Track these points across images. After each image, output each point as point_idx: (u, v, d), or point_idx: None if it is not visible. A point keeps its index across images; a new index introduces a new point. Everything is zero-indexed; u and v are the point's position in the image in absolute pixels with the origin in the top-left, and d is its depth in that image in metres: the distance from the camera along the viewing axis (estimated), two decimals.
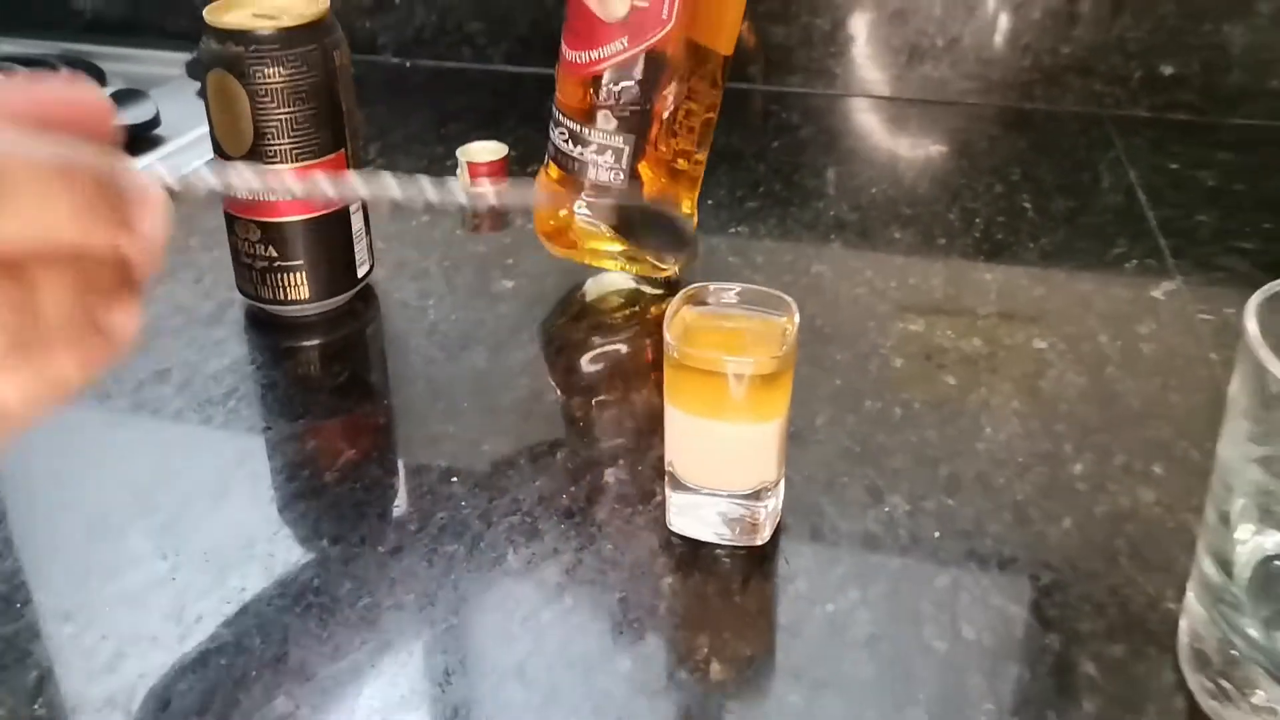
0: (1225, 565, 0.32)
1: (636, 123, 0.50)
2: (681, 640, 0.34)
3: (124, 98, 0.72)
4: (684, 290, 0.37)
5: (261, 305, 0.51)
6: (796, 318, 0.36)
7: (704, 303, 0.38)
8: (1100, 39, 0.75)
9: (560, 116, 0.51)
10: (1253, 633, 0.31)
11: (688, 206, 0.55)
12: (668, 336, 0.36)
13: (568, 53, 0.50)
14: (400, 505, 0.40)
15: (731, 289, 0.37)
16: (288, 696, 0.32)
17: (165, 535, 0.38)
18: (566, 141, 0.51)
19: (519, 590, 0.36)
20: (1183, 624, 0.34)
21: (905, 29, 0.77)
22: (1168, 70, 0.75)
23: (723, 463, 0.36)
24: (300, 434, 0.44)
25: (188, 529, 0.39)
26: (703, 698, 0.32)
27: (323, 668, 0.33)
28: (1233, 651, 0.32)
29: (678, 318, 0.37)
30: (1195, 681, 0.33)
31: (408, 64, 0.85)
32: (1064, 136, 0.73)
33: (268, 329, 0.51)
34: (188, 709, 0.32)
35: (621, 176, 0.51)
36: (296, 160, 0.48)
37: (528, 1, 0.82)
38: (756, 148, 0.71)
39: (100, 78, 0.82)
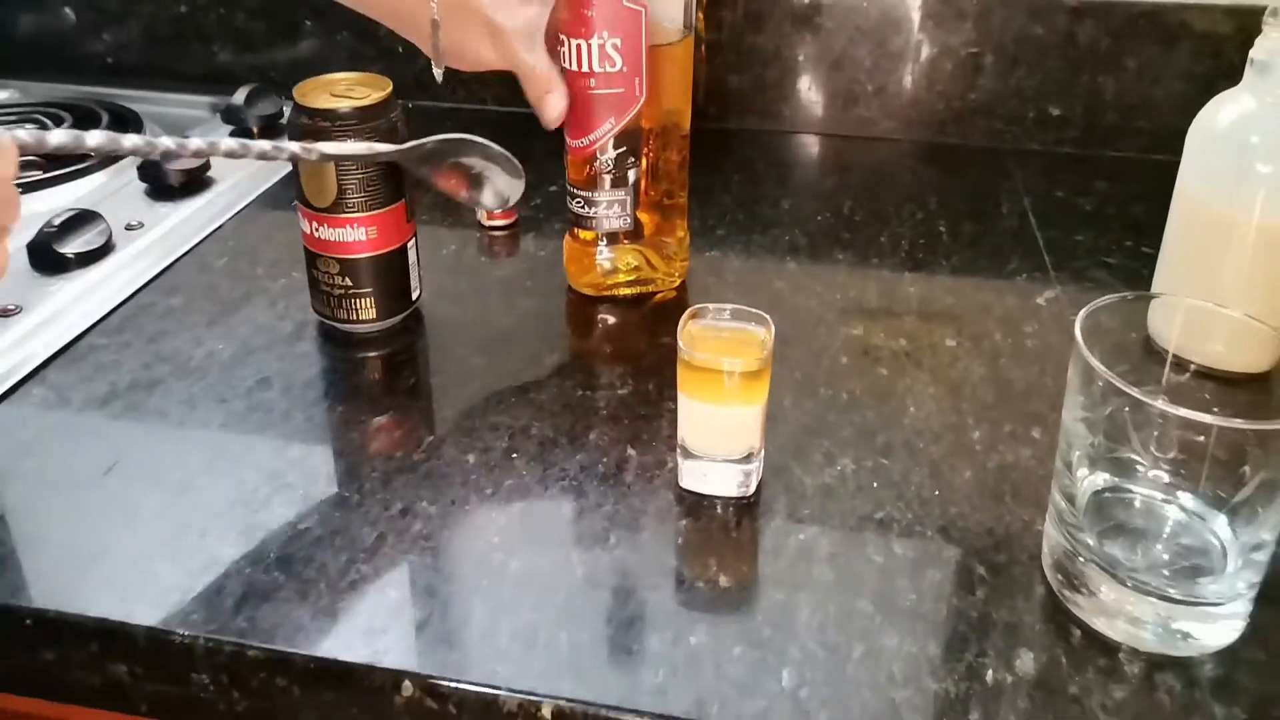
0: (1070, 499, 0.47)
1: (629, 178, 0.64)
2: (696, 564, 0.48)
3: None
4: (689, 310, 0.51)
5: (337, 324, 0.64)
6: (772, 329, 0.50)
7: (704, 318, 0.51)
8: (1001, 86, 0.90)
9: (574, 189, 0.65)
10: (1089, 542, 0.46)
11: (681, 231, 0.69)
12: (680, 343, 0.49)
13: (570, 141, 0.64)
14: (476, 475, 0.53)
15: (725, 309, 0.51)
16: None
17: (302, 504, 0.51)
18: (583, 207, 0.65)
19: (574, 534, 0.49)
20: (1044, 541, 0.49)
21: (841, 77, 0.92)
22: (1056, 111, 0.91)
23: (721, 436, 0.50)
24: (388, 425, 0.57)
25: (318, 499, 0.51)
26: (715, 599, 0.46)
27: (442, 589, 0.46)
28: (1077, 558, 0.46)
29: (685, 329, 0.50)
30: (1053, 578, 0.47)
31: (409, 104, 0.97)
32: (971, 167, 0.89)
33: (341, 344, 0.64)
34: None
35: (629, 220, 0.66)
36: (369, 209, 0.61)
37: None
38: (722, 181, 0.85)
39: (138, 122, 0.93)
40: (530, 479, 0.52)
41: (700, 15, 0.85)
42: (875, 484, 0.52)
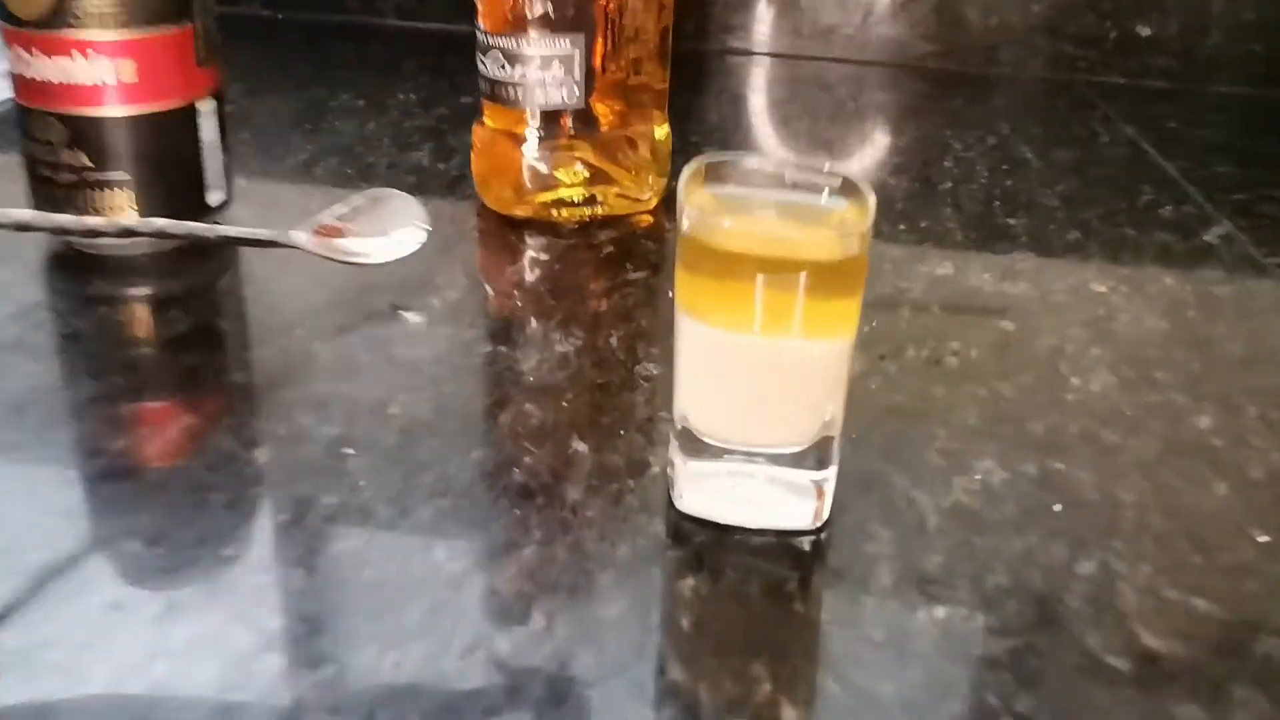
0: None
1: (582, 18, 0.39)
2: (724, 672, 0.21)
3: None
4: (695, 161, 0.25)
5: (69, 237, 0.37)
6: (873, 200, 0.24)
7: (727, 181, 0.26)
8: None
9: (488, 40, 0.40)
10: None
11: (658, 127, 0.44)
12: (684, 209, 0.24)
13: None
14: (264, 489, 0.26)
15: (770, 164, 0.26)
16: None
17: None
18: (503, 67, 0.40)
19: (456, 607, 0.23)
20: None
21: None
22: (1145, 31, 0.68)
23: (768, 400, 0.24)
24: (115, 397, 0.30)
25: (33, 566, 0.24)
26: None
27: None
28: None
29: (691, 189, 0.25)
30: None
31: (279, 16, 0.72)
32: (1037, 98, 0.65)
33: (78, 269, 0.37)
34: None
35: (577, 93, 0.40)
36: (121, 28, 0.34)
37: None
38: (710, 100, 0.60)
39: None
40: (373, 495, 0.26)
41: None
42: (1057, 505, 0.27)
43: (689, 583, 0.24)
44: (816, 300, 0.23)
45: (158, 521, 0.24)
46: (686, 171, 0.25)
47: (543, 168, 0.42)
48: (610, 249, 0.41)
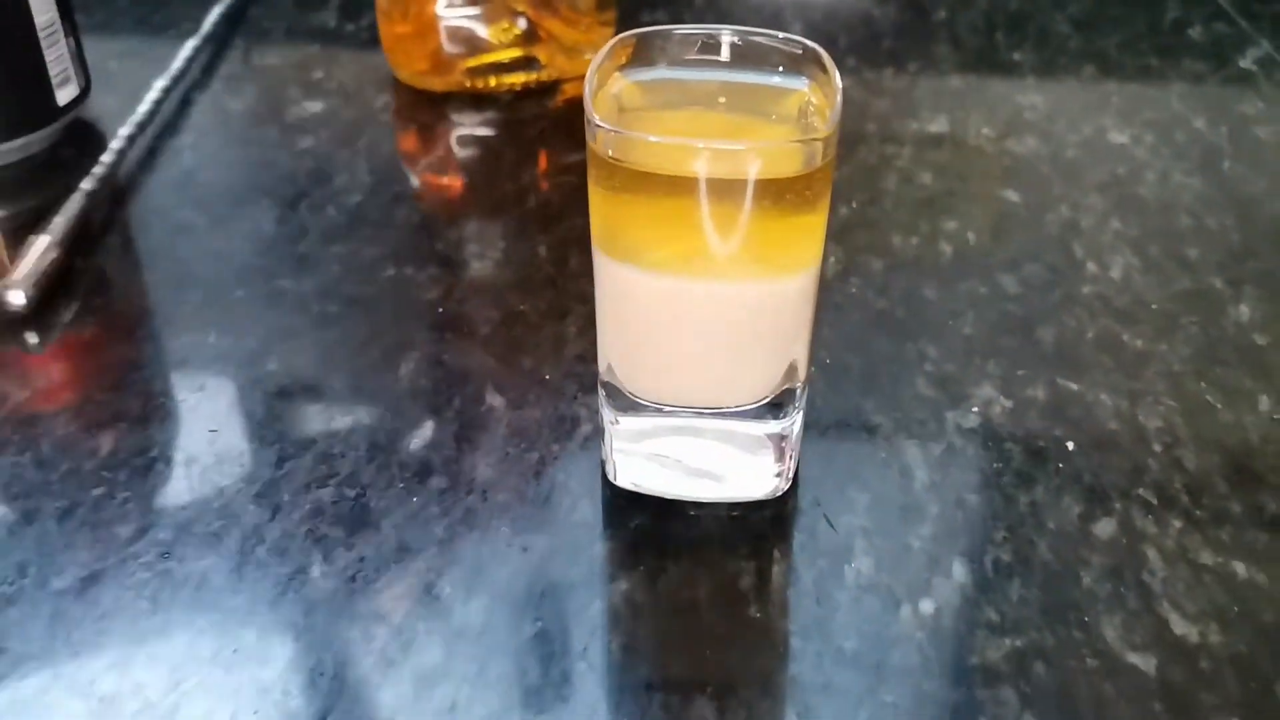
0: None
1: None
2: (662, 710, 0.17)
3: None
4: (615, 39, 0.19)
5: None
6: (838, 80, 0.19)
7: (653, 60, 0.20)
8: None
9: None
10: None
11: None
12: (594, 120, 0.18)
13: None
14: (104, 491, 0.21)
15: (710, 35, 0.20)
16: None
17: None
18: None
19: (334, 640, 0.18)
20: None
21: None
22: None
23: (710, 356, 0.19)
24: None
25: None
26: None
27: None
28: None
29: (607, 91, 0.19)
30: None
31: None
32: None
33: None
34: None
35: None
36: None
37: None
38: None
39: None
40: (236, 486, 0.21)
41: None
42: (1070, 443, 0.22)
43: (622, 582, 0.19)
44: (769, 229, 0.18)
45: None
46: (600, 56, 0.19)
47: (468, 27, 0.35)
48: (546, 124, 0.34)
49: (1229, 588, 0.19)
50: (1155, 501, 0.21)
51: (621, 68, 0.20)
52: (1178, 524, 0.20)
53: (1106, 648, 0.18)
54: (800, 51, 0.20)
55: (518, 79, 0.36)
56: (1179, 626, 0.19)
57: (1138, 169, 0.32)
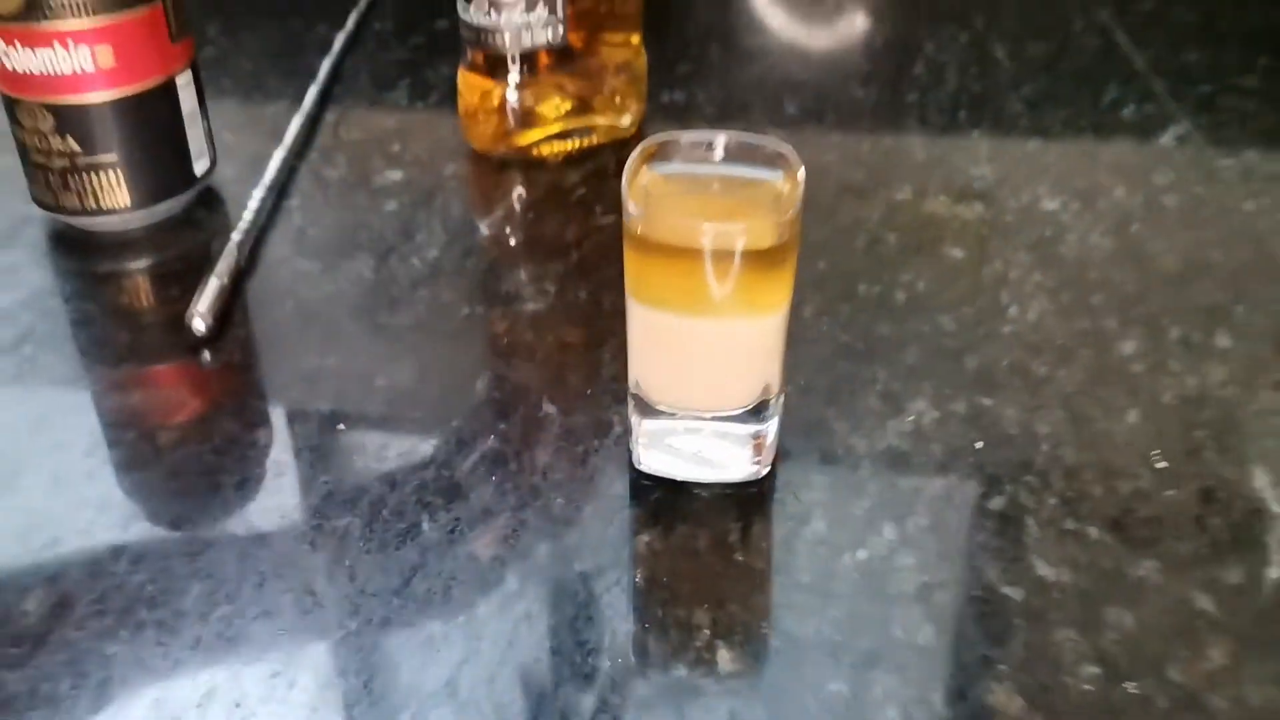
0: None
1: None
2: (672, 620, 0.25)
3: None
4: (644, 143, 0.27)
5: (68, 218, 0.39)
6: (801, 173, 0.26)
7: (672, 159, 0.28)
8: None
9: None
10: None
11: (633, 49, 0.45)
12: (628, 205, 0.26)
13: None
14: (268, 470, 0.29)
15: (711, 140, 0.28)
16: None
17: None
18: (488, 14, 0.41)
19: (442, 573, 0.26)
20: None
21: None
22: None
23: (708, 374, 0.27)
24: (124, 383, 0.33)
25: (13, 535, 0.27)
26: (711, 700, 0.23)
27: (169, 714, 0.23)
28: None
29: (637, 183, 0.27)
30: None
31: None
32: None
33: (78, 249, 0.39)
34: None
35: (561, 31, 0.42)
36: (95, 14, 0.36)
37: None
38: (681, 4, 0.60)
39: None
40: (365, 469, 0.29)
41: None
42: (979, 443, 0.30)
43: (645, 537, 0.27)
44: (751, 282, 0.26)
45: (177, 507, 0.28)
46: (633, 156, 0.27)
47: (526, 105, 0.43)
48: (588, 188, 0.43)
49: (1083, 545, 0.27)
50: (1037, 485, 0.28)
51: (648, 162, 0.28)
52: (1052, 501, 0.28)
53: (989, 583, 0.26)
54: (775, 151, 0.27)
55: (567, 146, 0.45)
56: (1042, 570, 0.26)
57: (1062, 231, 0.39)
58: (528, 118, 0.43)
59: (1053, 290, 0.36)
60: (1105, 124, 0.47)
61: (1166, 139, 0.46)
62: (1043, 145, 0.45)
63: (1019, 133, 0.46)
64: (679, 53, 0.54)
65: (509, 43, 0.42)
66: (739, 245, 0.25)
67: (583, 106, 0.44)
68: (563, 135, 0.44)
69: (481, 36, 0.42)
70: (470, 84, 0.44)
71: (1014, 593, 0.25)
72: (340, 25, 0.57)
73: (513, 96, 0.43)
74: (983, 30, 0.57)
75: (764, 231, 0.26)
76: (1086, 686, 0.23)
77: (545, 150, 0.44)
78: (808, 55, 0.55)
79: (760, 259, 0.26)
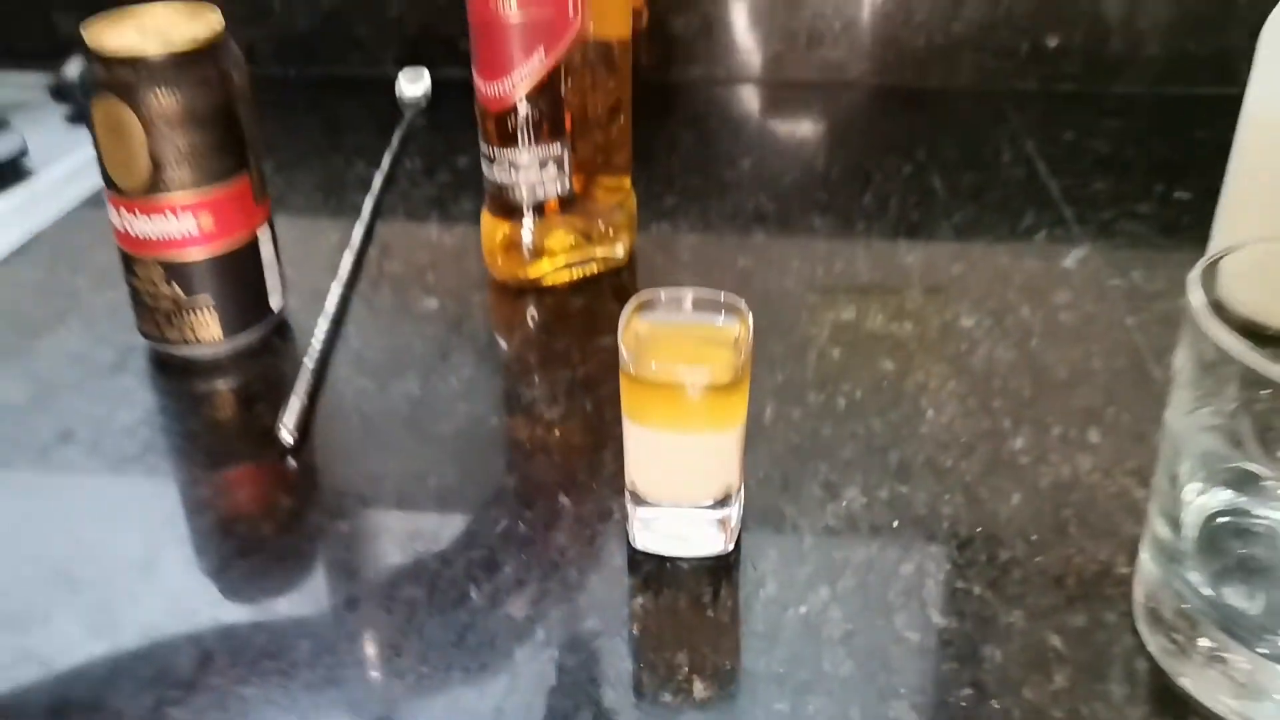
0: (1175, 524, 0.33)
1: (563, 127, 0.50)
2: (660, 661, 0.33)
3: None
4: (633, 299, 0.37)
5: (169, 349, 0.48)
6: (750, 320, 0.36)
7: (655, 310, 0.37)
8: (988, 15, 0.77)
9: (491, 149, 0.51)
10: (1202, 588, 0.33)
11: (624, 193, 0.55)
12: (622, 351, 0.35)
13: (484, 84, 0.50)
14: (349, 552, 0.38)
15: (683, 295, 0.37)
16: None
17: (98, 615, 0.36)
18: (504, 172, 0.51)
19: (487, 628, 0.35)
20: (1137, 585, 0.35)
21: (801, 13, 0.78)
22: (1053, 41, 0.77)
23: (685, 475, 0.36)
24: (229, 485, 0.42)
25: (121, 605, 0.36)
26: (691, 716, 0.32)
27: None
28: (1184, 606, 0.33)
29: (629, 329, 0.36)
30: (1154, 642, 0.34)
31: (291, 73, 0.82)
32: (961, 111, 0.75)
33: (179, 373, 0.48)
34: None
35: (567, 184, 0.52)
36: (198, 188, 0.45)
37: (416, 3, 0.79)
38: (666, 140, 0.70)
39: None
40: (425, 551, 0.38)
41: None
42: (895, 522, 0.39)
43: (639, 600, 0.36)
44: (715, 407, 0.35)
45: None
46: (625, 310, 0.36)
47: (537, 243, 0.53)
48: (590, 313, 0.52)
49: (968, 599, 0.35)
50: (938, 554, 0.37)
51: (638, 312, 0.37)
52: (947, 567, 0.36)
53: (896, 629, 0.34)
54: (731, 303, 0.37)
55: (571, 274, 0.54)
56: (936, 619, 0.34)
57: (974, 345, 0.49)
58: (539, 253, 0.53)
59: (962, 396, 0.45)
60: (1019, 248, 0.57)
61: (1069, 261, 0.56)
62: (966, 269, 0.55)
63: (946, 258, 0.56)
64: (666, 186, 0.64)
65: (525, 195, 0.52)
66: (705, 381, 0.34)
67: (584, 241, 0.54)
68: (568, 265, 0.54)
69: (502, 190, 0.52)
70: (491, 226, 0.53)
71: (914, 636, 0.34)
72: (376, 163, 0.67)
73: (526, 237, 0.53)
74: (924, 161, 0.67)
75: (724, 370, 0.35)
76: (963, 704, 0.32)
77: (553, 279, 0.54)
78: (776, 186, 0.65)
79: (721, 390, 0.35)
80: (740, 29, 0.79)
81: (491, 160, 0.51)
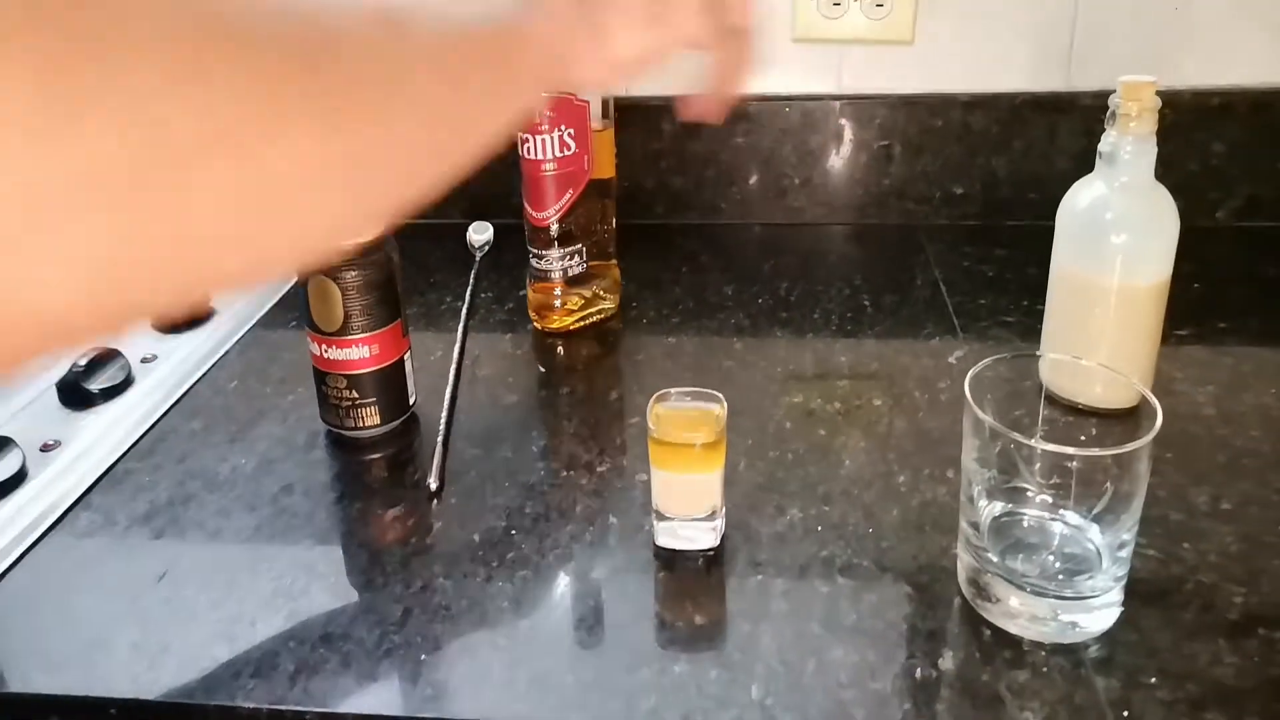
0: (975, 525, 0.57)
1: (579, 234, 0.79)
2: (675, 607, 0.57)
3: None
4: (655, 396, 0.61)
5: (345, 432, 0.73)
6: (725, 405, 0.60)
7: (667, 401, 0.62)
8: (910, 171, 1.03)
9: (538, 252, 0.80)
10: (993, 559, 0.56)
11: (613, 269, 0.83)
12: (650, 424, 0.59)
13: (535, 214, 0.79)
14: (482, 551, 0.62)
15: (684, 393, 0.61)
16: None
17: (335, 590, 0.59)
18: (548, 265, 0.80)
19: (571, 592, 0.58)
20: (958, 562, 0.59)
21: (771, 171, 1.04)
22: (958, 190, 1.03)
23: (688, 499, 0.60)
24: (400, 515, 0.66)
25: (348, 584, 0.60)
26: (692, 635, 0.55)
27: (465, 648, 0.55)
28: (985, 573, 0.56)
29: (653, 412, 0.60)
30: (966, 591, 0.57)
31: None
32: (889, 244, 1.01)
33: (350, 449, 0.73)
34: None
35: (583, 266, 0.79)
36: (371, 330, 0.70)
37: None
38: (671, 274, 0.96)
39: None
40: (528, 550, 0.62)
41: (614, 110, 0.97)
42: (819, 528, 0.62)
43: (661, 574, 0.59)
44: (706, 458, 0.59)
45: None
46: (651, 401, 0.61)
47: (563, 304, 0.80)
48: (597, 356, 0.76)
49: (857, 553, 0.59)
50: (840, 550, 0.60)
51: (657, 401, 0.62)
52: (839, 559, 0.60)
53: (822, 586, 0.57)
54: (714, 395, 0.61)
55: (578, 322, 0.80)
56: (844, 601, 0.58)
57: (880, 418, 0.73)
58: (563, 310, 0.80)
59: (869, 450, 0.69)
60: (919, 349, 0.81)
61: (952, 358, 0.80)
62: (880, 367, 0.80)
63: (867, 357, 0.81)
64: (671, 309, 0.89)
65: (557, 276, 0.79)
66: (700, 441, 0.58)
67: (588, 302, 0.81)
68: (585, 313, 0.81)
69: (544, 275, 0.79)
70: (536, 293, 0.81)
71: (826, 589, 0.57)
72: (460, 296, 0.92)
73: (557, 302, 0.80)
74: (859, 284, 0.92)
75: (711, 434, 0.59)
76: (851, 629, 0.55)
77: (575, 324, 0.81)
78: (750, 307, 0.90)
79: (709, 446, 0.59)
80: (724, 184, 1.05)
81: (539, 258, 0.79)
